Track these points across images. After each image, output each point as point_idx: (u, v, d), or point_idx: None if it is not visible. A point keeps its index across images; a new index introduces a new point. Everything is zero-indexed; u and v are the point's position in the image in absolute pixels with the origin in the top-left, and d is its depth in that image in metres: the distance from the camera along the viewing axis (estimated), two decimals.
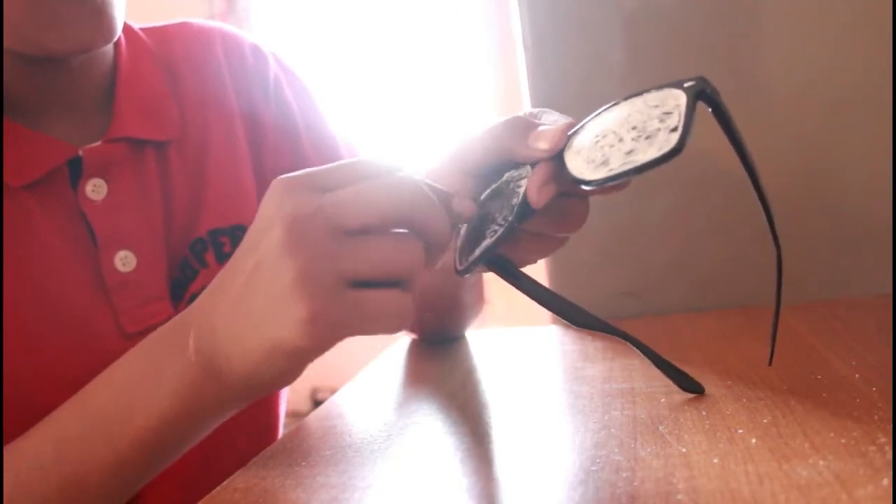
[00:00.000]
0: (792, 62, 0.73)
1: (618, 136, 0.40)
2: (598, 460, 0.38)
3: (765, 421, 0.40)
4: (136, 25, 0.67)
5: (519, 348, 0.68)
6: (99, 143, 0.60)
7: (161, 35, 0.68)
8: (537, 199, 0.42)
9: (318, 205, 0.37)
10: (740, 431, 0.39)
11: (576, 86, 0.76)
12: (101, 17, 0.54)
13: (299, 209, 0.37)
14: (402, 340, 0.75)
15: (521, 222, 0.43)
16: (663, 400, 0.46)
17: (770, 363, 0.47)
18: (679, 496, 0.32)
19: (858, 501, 0.29)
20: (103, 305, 0.58)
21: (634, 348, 0.47)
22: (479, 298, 0.73)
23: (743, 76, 0.74)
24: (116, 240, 0.59)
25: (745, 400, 0.44)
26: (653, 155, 0.38)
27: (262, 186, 0.68)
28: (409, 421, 0.49)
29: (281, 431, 0.73)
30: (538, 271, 0.80)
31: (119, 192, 0.60)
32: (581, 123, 0.43)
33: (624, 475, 0.35)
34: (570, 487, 0.35)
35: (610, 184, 0.39)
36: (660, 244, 0.75)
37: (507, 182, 0.45)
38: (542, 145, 0.43)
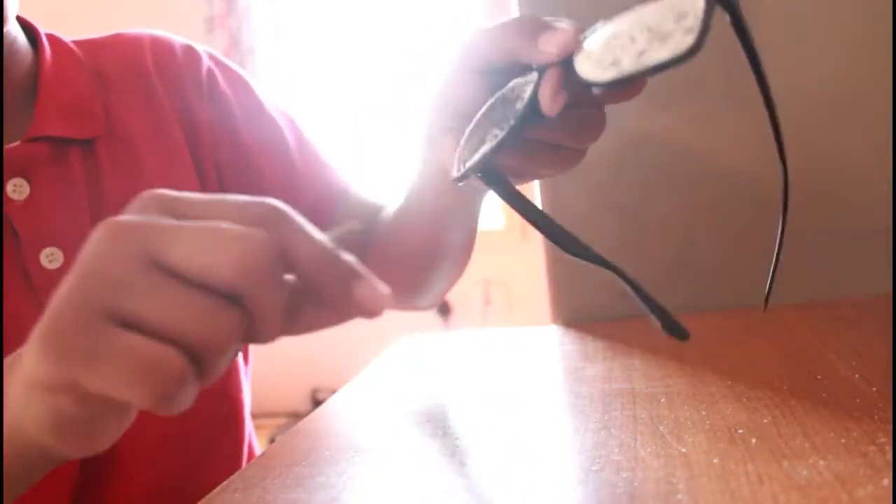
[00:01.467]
0: (792, 62, 0.73)
1: (631, 37, 0.38)
2: (598, 460, 0.38)
3: (765, 421, 0.40)
4: (67, 38, 0.68)
5: (519, 348, 0.68)
6: (18, 142, 0.60)
7: (91, 46, 0.69)
8: (550, 106, 0.40)
9: (148, 223, 0.30)
10: (740, 431, 0.39)
11: None
12: None
13: (130, 219, 0.30)
14: (403, 341, 0.75)
15: (524, 127, 0.41)
16: (663, 400, 0.46)
17: (765, 306, 0.45)
18: (679, 496, 0.32)
19: (858, 501, 0.29)
20: (31, 304, 0.58)
21: (622, 282, 0.45)
22: (464, 256, 0.69)
23: (743, 76, 0.74)
24: (41, 237, 0.59)
25: (745, 400, 0.44)
26: (666, 56, 0.37)
27: (204, 183, 0.68)
28: (409, 421, 0.49)
29: (247, 423, 0.72)
30: (538, 270, 0.80)
31: (42, 191, 0.60)
32: (593, 28, 0.41)
33: (624, 475, 0.35)
34: (570, 487, 0.35)
35: (620, 86, 0.38)
36: (660, 244, 0.75)
37: (513, 89, 0.43)
38: (552, 48, 0.41)
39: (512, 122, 0.41)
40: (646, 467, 0.36)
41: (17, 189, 0.59)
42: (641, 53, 0.37)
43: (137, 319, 0.28)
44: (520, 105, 0.41)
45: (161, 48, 0.70)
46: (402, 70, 2.93)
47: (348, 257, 0.32)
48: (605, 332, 0.66)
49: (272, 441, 0.53)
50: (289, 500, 0.38)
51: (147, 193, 0.31)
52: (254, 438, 0.75)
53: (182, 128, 0.68)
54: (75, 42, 0.69)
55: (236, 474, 0.43)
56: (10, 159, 0.59)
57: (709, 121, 0.75)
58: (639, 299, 0.44)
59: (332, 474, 0.41)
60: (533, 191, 0.73)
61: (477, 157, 0.42)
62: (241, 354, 0.71)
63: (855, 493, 0.30)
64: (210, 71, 0.71)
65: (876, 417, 0.38)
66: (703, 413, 0.43)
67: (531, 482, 0.37)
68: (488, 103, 0.44)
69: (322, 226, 0.78)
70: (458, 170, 0.44)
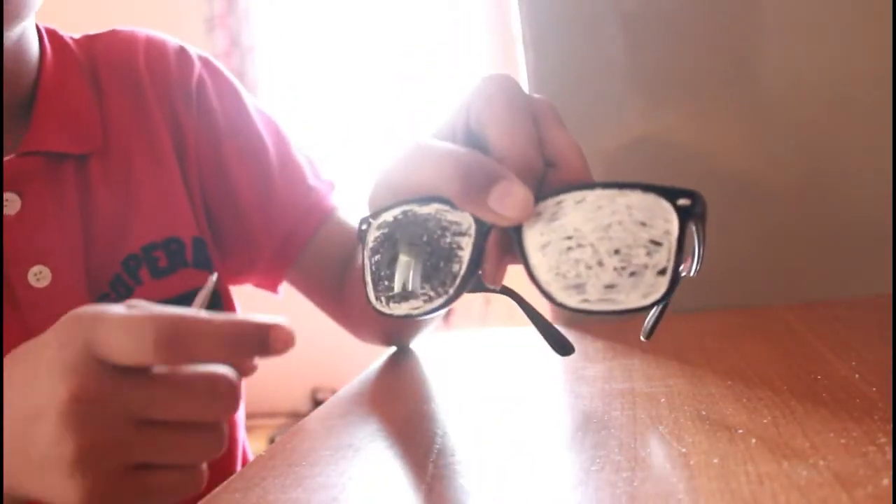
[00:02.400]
0: (792, 62, 0.73)
1: (597, 256, 0.35)
2: (598, 460, 0.38)
3: (765, 421, 0.40)
4: (67, 35, 0.67)
5: (519, 348, 0.68)
6: (12, 156, 0.58)
7: (89, 43, 0.68)
8: (495, 279, 0.38)
9: (117, 390, 0.35)
10: (740, 431, 0.39)
11: (576, 85, 0.76)
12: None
13: (91, 386, 0.34)
14: (406, 341, 0.75)
15: (464, 291, 0.39)
16: (663, 400, 0.46)
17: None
18: (679, 496, 0.32)
19: (858, 501, 0.29)
20: (14, 323, 0.56)
21: (514, 301, 0.45)
22: None
23: (743, 76, 0.74)
24: (29, 255, 0.57)
25: (745, 400, 0.44)
26: (637, 302, 0.35)
27: (190, 196, 0.67)
28: (410, 421, 0.49)
29: (241, 434, 0.72)
30: None
31: (33, 207, 0.58)
32: (553, 196, 0.37)
33: (624, 475, 0.35)
34: (570, 487, 0.35)
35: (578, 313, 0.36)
36: None
37: (440, 225, 0.39)
38: (512, 213, 0.36)
39: (450, 291, 0.39)
40: (646, 467, 0.36)
41: (7, 203, 0.57)
42: (609, 287, 0.35)
43: (147, 462, 0.35)
44: (458, 268, 0.38)
45: (154, 51, 0.69)
46: (403, 70, 2.92)
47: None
48: (605, 332, 0.66)
49: (272, 441, 0.53)
50: (289, 500, 0.38)
51: (78, 328, 0.35)
52: (248, 448, 0.75)
53: (171, 136, 0.67)
54: (73, 40, 0.67)
55: (236, 474, 0.43)
56: (3, 173, 0.57)
57: (709, 121, 0.75)
58: (529, 318, 0.45)
59: (332, 474, 0.41)
60: None
61: (402, 313, 0.41)
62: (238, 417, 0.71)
63: (855, 493, 0.30)
64: (201, 79, 0.70)
65: (876, 417, 0.38)
66: (703, 413, 0.43)
67: (531, 482, 0.37)
68: (397, 211, 0.40)
69: (297, 252, 0.78)
70: (378, 299, 0.42)
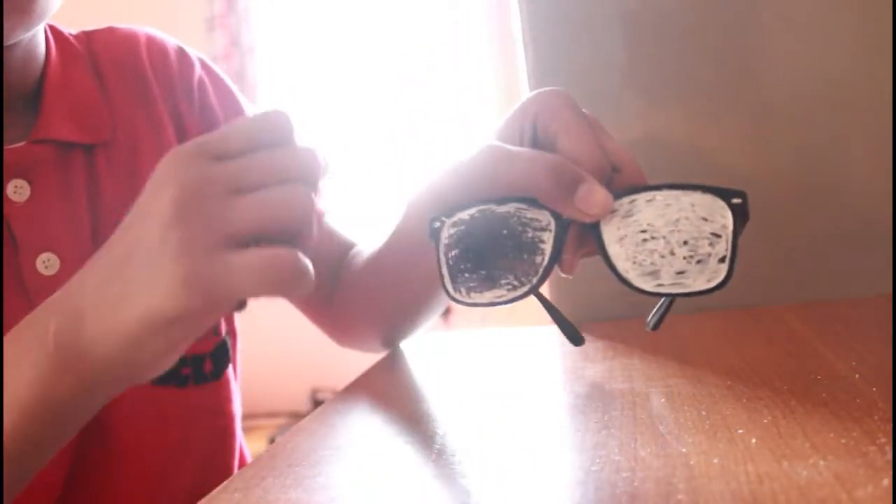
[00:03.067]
0: (792, 62, 0.73)
1: (669, 247, 0.41)
2: (598, 460, 0.38)
3: (765, 421, 0.40)
4: (65, 30, 0.67)
5: (519, 348, 0.68)
6: (23, 143, 0.58)
7: (88, 39, 0.68)
8: (571, 269, 0.42)
9: (211, 170, 0.36)
10: (740, 431, 0.39)
11: (576, 85, 0.76)
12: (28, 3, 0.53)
13: (191, 174, 0.35)
14: (402, 342, 0.75)
15: (544, 281, 0.43)
16: (663, 400, 0.46)
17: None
18: (679, 496, 0.32)
19: (858, 501, 0.29)
20: (23, 310, 0.56)
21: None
22: (432, 311, 0.71)
23: (743, 76, 0.74)
24: (38, 242, 0.58)
25: (745, 400, 0.44)
26: (703, 286, 0.41)
27: None
28: (410, 421, 0.49)
29: (238, 434, 0.72)
30: None
31: (43, 194, 0.58)
32: (627, 194, 0.42)
33: (624, 475, 0.35)
34: (570, 487, 0.35)
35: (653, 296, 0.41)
36: None
37: (520, 221, 0.44)
38: (594, 210, 0.42)
39: (534, 280, 0.43)
40: (646, 467, 0.36)
41: (17, 190, 0.58)
42: (680, 273, 0.41)
43: (242, 234, 0.34)
44: (540, 259, 0.43)
45: (155, 48, 0.69)
46: (402, 70, 2.93)
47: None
48: (605, 332, 0.66)
49: (272, 441, 0.53)
50: (289, 500, 0.38)
51: (171, 152, 0.37)
52: (245, 450, 0.75)
53: (175, 133, 0.67)
54: (73, 35, 0.68)
55: (236, 474, 0.43)
56: (13, 159, 0.57)
57: (709, 121, 0.75)
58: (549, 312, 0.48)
59: (332, 474, 0.41)
60: None
61: (486, 301, 0.45)
62: (231, 368, 0.70)
63: (855, 493, 0.30)
64: (201, 81, 0.70)
65: (876, 417, 0.38)
66: (703, 413, 0.43)
67: (531, 482, 0.37)
68: (476, 210, 0.45)
69: None
70: (456, 290, 0.46)
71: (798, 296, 0.71)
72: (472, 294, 0.45)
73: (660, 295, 0.42)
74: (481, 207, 0.45)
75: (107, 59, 0.67)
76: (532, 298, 0.46)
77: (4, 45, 0.56)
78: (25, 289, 0.57)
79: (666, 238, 0.41)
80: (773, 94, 0.73)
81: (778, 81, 0.74)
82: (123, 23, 0.72)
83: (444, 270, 0.46)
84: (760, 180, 0.73)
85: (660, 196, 0.42)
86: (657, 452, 0.38)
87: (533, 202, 0.44)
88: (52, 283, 0.57)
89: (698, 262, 0.41)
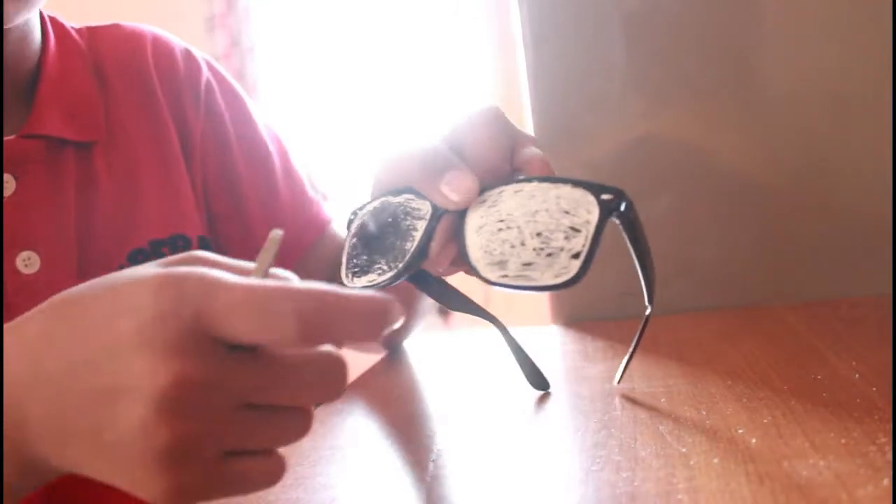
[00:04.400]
0: (792, 62, 0.73)
1: (521, 237, 0.39)
2: (598, 460, 0.38)
3: (765, 421, 0.40)
4: (68, 24, 0.66)
5: None
6: (12, 136, 0.58)
7: (92, 35, 0.67)
8: (438, 261, 0.41)
9: (222, 373, 0.30)
10: (740, 431, 0.39)
11: (576, 86, 0.76)
12: None
13: (200, 369, 0.29)
14: (402, 342, 0.75)
15: (411, 269, 0.42)
16: (663, 400, 0.46)
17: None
18: (679, 496, 0.32)
19: (858, 501, 0.29)
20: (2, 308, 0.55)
21: (499, 331, 0.49)
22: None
23: (743, 76, 0.74)
24: (19, 239, 0.57)
25: (745, 400, 0.44)
26: (549, 280, 0.38)
27: (193, 193, 0.67)
28: (409, 420, 0.49)
29: None
30: None
31: (28, 191, 0.57)
32: (498, 187, 0.41)
33: (624, 475, 0.35)
34: (570, 487, 0.35)
35: (498, 288, 0.39)
36: (660, 244, 0.75)
37: (405, 211, 0.43)
38: (455, 197, 0.41)
39: (400, 266, 0.42)
40: (646, 467, 0.36)
41: (3, 185, 0.57)
42: (527, 265, 0.38)
43: (242, 449, 0.31)
44: (410, 246, 0.42)
45: (162, 50, 0.68)
46: (402, 70, 2.93)
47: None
48: (605, 332, 0.66)
49: None
50: (289, 500, 0.38)
51: (171, 294, 0.30)
52: None
53: (178, 136, 0.66)
54: (75, 29, 0.67)
55: None
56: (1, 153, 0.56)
57: (709, 121, 0.75)
58: (511, 350, 0.48)
59: (332, 474, 0.41)
60: None
61: (360, 285, 0.43)
62: None
63: (855, 493, 0.30)
64: (208, 83, 0.69)
65: (876, 417, 0.38)
66: (703, 413, 0.43)
67: (531, 482, 0.37)
68: (376, 203, 0.45)
69: (300, 258, 0.78)
70: (347, 276, 0.45)
71: (798, 296, 0.71)
72: (355, 279, 0.44)
73: (502, 286, 0.39)
74: (382, 199, 0.45)
75: (110, 56, 0.66)
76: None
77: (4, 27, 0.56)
78: (3, 287, 0.56)
79: (520, 228, 0.39)
80: (773, 95, 0.73)
81: (778, 81, 0.74)
82: (124, 22, 0.72)
83: (343, 258, 0.46)
84: (760, 180, 0.73)
85: (528, 187, 0.40)
86: (657, 452, 0.38)
87: (419, 192, 0.43)
88: (32, 282, 0.56)
89: (548, 255, 0.38)
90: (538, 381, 0.51)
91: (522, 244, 0.39)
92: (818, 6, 0.72)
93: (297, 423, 0.32)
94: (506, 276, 0.39)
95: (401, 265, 0.42)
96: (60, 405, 0.31)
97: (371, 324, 0.31)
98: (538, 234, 0.39)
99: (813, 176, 0.73)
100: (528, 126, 0.77)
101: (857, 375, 0.46)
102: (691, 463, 0.36)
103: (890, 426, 0.37)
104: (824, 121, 0.73)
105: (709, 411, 0.43)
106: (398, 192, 0.44)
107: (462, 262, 0.42)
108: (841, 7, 0.72)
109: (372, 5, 2.91)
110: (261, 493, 0.39)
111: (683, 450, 0.37)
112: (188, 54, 0.70)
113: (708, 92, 0.74)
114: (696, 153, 0.75)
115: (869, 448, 0.34)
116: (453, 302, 0.49)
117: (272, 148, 0.71)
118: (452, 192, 0.41)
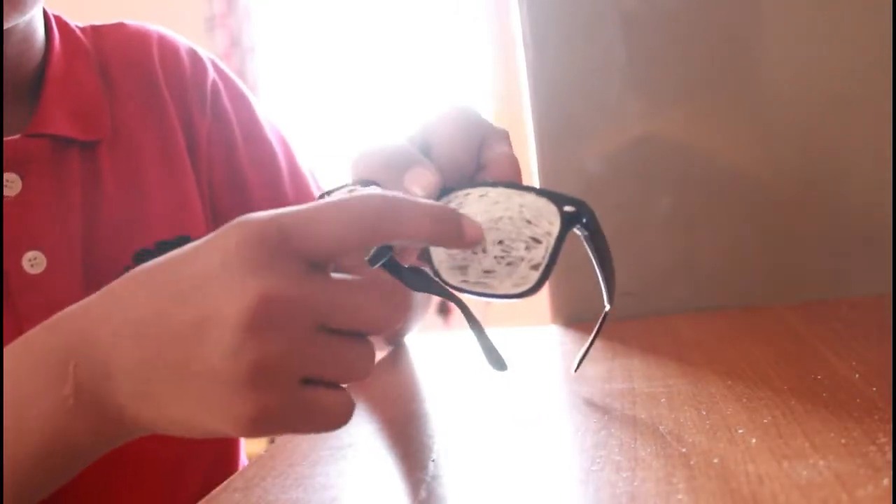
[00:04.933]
0: (792, 62, 0.73)
1: (482, 244, 0.39)
2: (598, 460, 0.38)
3: (765, 421, 0.40)
4: (73, 23, 0.66)
5: (519, 348, 0.68)
6: (18, 136, 0.57)
7: (96, 34, 0.67)
8: (402, 256, 0.41)
9: (302, 288, 0.31)
10: (740, 431, 0.39)
11: (576, 86, 0.76)
12: None
13: (277, 282, 0.31)
14: (402, 342, 0.75)
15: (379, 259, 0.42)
16: (663, 400, 0.46)
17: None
18: (679, 496, 0.32)
19: (858, 501, 0.29)
20: (5, 309, 0.55)
21: (458, 308, 0.48)
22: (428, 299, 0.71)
23: (743, 76, 0.74)
24: (25, 239, 0.56)
25: (745, 400, 0.44)
26: (507, 290, 0.38)
27: (199, 194, 0.66)
28: (409, 420, 0.49)
29: (240, 445, 0.72)
30: None
31: (34, 190, 0.57)
32: (461, 186, 0.41)
33: (624, 475, 0.35)
34: (570, 487, 0.35)
35: (458, 293, 0.39)
36: (660, 244, 0.75)
37: None
38: (416, 192, 0.41)
39: (366, 259, 0.42)
40: (646, 467, 0.36)
41: (8, 185, 0.56)
42: (487, 273, 0.39)
43: (320, 378, 0.32)
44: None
45: (168, 49, 0.68)
46: (402, 70, 2.92)
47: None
48: (605, 332, 0.66)
49: (272, 441, 0.52)
50: (289, 500, 0.38)
51: (253, 230, 0.31)
52: (244, 460, 0.74)
53: (184, 137, 0.66)
54: (80, 28, 0.67)
55: (236, 474, 0.43)
56: (6, 152, 0.56)
57: (709, 121, 0.75)
58: (473, 332, 0.46)
59: (332, 474, 0.41)
60: None
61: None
62: None
63: (855, 493, 0.30)
64: (214, 84, 0.69)
65: (876, 417, 0.38)
66: (703, 413, 0.43)
67: (531, 482, 0.37)
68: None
69: None
70: None
71: (798, 296, 0.71)
72: None
73: (461, 291, 0.39)
74: (350, 188, 0.45)
75: (115, 56, 0.66)
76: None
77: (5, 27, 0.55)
78: (9, 287, 0.56)
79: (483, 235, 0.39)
80: (772, 95, 0.73)
81: (778, 81, 0.74)
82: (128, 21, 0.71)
83: None
84: (760, 180, 0.73)
85: (493, 193, 0.40)
86: (657, 452, 0.38)
87: (383, 187, 0.43)
88: (38, 283, 0.56)
89: (508, 264, 0.38)
90: (496, 361, 0.50)
91: (484, 251, 0.39)
92: (818, 6, 0.72)
93: (365, 358, 0.34)
94: (466, 281, 0.39)
95: (367, 258, 0.42)
96: (147, 347, 0.33)
97: (440, 222, 0.34)
98: (500, 242, 0.39)
99: (813, 176, 0.73)
100: (528, 126, 0.77)
101: (857, 375, 0.46)
102: (691, 463, 0.36)
103: (890, 426, 0.37)
104: (824, 121, 0.73)
105: (709, 411, 0.43)
106: (366, 185, 0.44)
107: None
108: (841, 7, 0.72)
109: (372, 5, 2.91)
110: (260, 493, 0.39)
111: (683, 450, 0.37)
112: (194, 54, 0.70)
113: (708, 92, 0.74)
114: (696, 153, 0.75)
115: (869, 448, 0.34)
116: (418, 283, 0.48)
117: (278, 148, 0.71)
118: (413, 185, 0.41)
